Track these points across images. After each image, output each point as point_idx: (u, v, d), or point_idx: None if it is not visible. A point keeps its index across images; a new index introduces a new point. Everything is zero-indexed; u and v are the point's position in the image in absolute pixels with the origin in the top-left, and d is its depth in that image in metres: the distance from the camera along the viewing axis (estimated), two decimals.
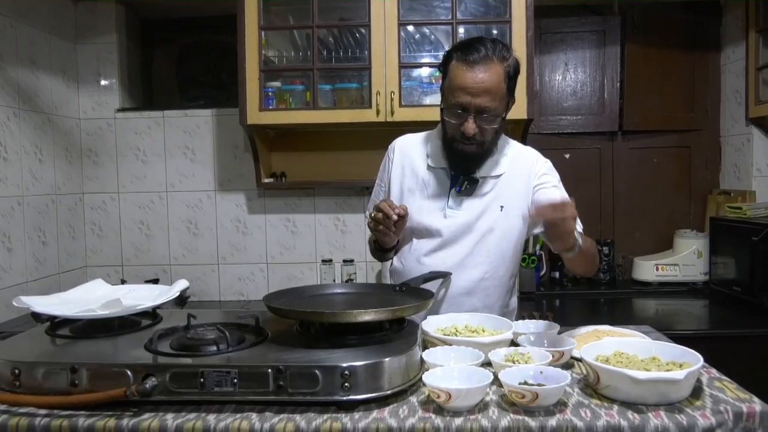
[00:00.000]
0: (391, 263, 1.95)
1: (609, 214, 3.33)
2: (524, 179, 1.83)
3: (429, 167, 1.84)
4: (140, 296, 1.64)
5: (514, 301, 1.98)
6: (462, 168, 1.78)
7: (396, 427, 1.11)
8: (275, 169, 3.12)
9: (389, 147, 1.95)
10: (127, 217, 3.20)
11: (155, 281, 3.07)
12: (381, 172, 1.96)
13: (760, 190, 3.00)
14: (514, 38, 2.61)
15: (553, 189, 1.82)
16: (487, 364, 1.31)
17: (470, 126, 1.67)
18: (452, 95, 1.67)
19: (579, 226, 1.71)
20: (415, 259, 1.84)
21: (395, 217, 1.66)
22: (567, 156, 3.32)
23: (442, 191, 1.82)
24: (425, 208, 1.82)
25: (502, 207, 1.80)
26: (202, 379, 1.18)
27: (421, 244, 1.83)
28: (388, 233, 1.71)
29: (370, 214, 1.73)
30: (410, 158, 1.87)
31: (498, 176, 1.81)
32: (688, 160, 3.31)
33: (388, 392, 1.19)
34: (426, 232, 1.82)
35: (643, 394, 1.15)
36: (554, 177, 1.87)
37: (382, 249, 1.89)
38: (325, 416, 1.15)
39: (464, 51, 1.67)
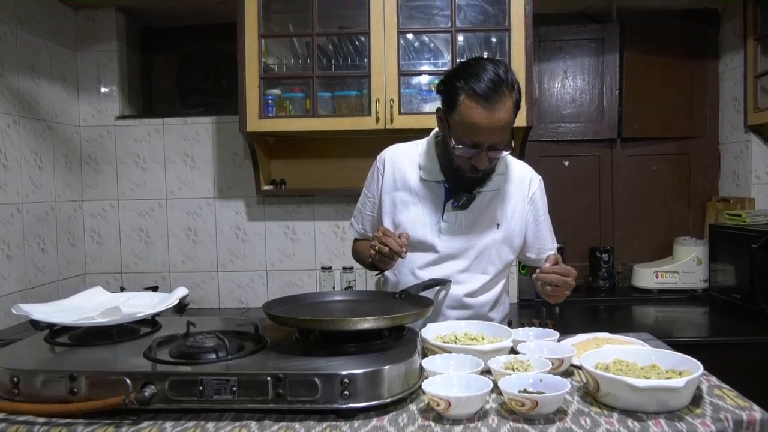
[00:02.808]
0: (384, 275, 1.94)
1: (608, 221, 3.33)
2: (520, 198, 1.84)
3: (422, 179, 1.82)
4: (139, 304, 1.64)
5: (505, 307, 1.97)
6: (464, 188, 1.76)
7: None
8: (275, 176, 3.13)
9: (378, 158, 1.92)
10: (127, 225, 3.20)
11: (154, 288, 3.07)
12: (369, 183, 1.94)
13: (759, 197, 3.01)
14: (513, 46, 2.62)
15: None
16: (486, 371, 1.31)
17: (484, 161, 1.64)
18: (465, 134, 1.61)
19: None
20: (410, 272, 1.82)
21: (404, 255, 1.65)
22: (566, 163, 3.33)
23: (436, 204, 1.80)
24: (419, 222, 1.80)
25: (498, 225, 1.80)
26: (201, 387, 1.18)
27: (416, 258, 1.82)
28: (392, 263, 1.71)
29: (373, 246, 1.68)
30: (401, 170, 1.85)
31: (494, 191, 1.80)
32: (687, 168, 3.32)
33: (388, 400, 1.19)
34: (421, 246, 1.80)
35: (642, 402, 1.15)
36: (544, 201, 1.91)
37: (378, 269, 1.86)
38: (325, 424, 1.14)
39: (474, 83, 1.57)
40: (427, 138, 1.87)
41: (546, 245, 1.91)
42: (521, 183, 1.85)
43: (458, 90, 1.60)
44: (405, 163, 1.85)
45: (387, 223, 1.84)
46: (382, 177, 1.87)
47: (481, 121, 1.57)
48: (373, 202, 1.92)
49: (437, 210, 1.80)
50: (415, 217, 1.80)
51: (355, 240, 2.04)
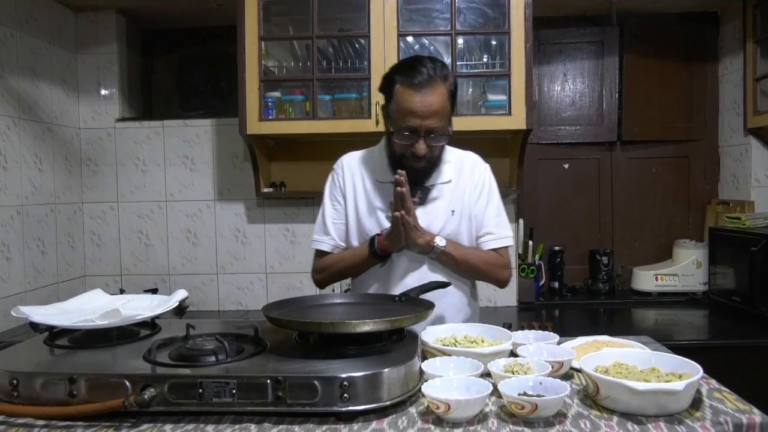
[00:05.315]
0: (351, 278, 1.96)
1: (608, 224, 3.33)
2: (470, 183, 1.89)
3: (378, 182, 1.86)
4: (139, 306, 1.64)
5: (475, 305, 2.01)
6: (412, 180, 1.76)
7: None
8: (275, 178, 3.13)
9: (335, 166, 1.95)
10: (127, 227, 3.20)
11: (154, 291, 3.07)
12: (332, 192, 1.93)
13: (758, 200, 3.01)
14: (512, 49, 2.63)
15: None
16: (486, 374, 1.31)
17: (421, 147, 1.72)
18: (402, 119, 1.71)
19: (441, 241, 1.77)
20: (378, 276, 1.84)
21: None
22: (566, 166, 3.33)
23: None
24: (381, 224, 1.83)
25: (453, 212, 1.85)
26: (200, 390, 1.18)
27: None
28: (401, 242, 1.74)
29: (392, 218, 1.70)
30: (360, 175, 1.89)
31: (446, 182, 1.86)
32: (687, 170, 3.32)
33: (387, 403, 1.19)
34: None
35: (642, 405, 1.15)
36: (494, 188, 1.93)
37: (381, 258, 1.85)
38: (324, 427, 1.14)
39: (408, 74, 1.70)
40: (379, 144, 1.93)
41: (501, 232, 1.91)
42: (468, 169, 1.90)
43: (394, 81, 1.73)
44: (361, 168, 1.91)
45: (353, 230, 1.87)
46: (343, 181, 1.91)
47: (414, 104, 1.68)
48: (339, 209, 1.91)
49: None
50: (376, 220, 1.84)
51: (323, 256, 1.93)
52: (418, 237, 1.72)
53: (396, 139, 1.74)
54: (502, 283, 1.97)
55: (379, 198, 1.86)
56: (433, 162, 1.81)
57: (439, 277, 1.82)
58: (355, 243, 1.88)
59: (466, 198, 1.87)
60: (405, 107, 1.69)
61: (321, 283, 1.98)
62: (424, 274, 1.84)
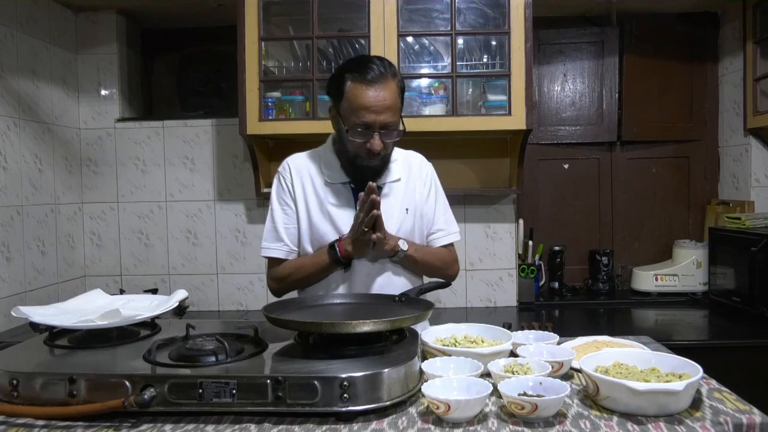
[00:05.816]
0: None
1: (608, 224, 3.34)
2: (419, 182, 1.92)
3: (327, 183, 1.85)
4: (139, 306, 1.64)
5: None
6: (365, 179, 1.73)
7: None
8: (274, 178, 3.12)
9: (281, 169, 1.91)
10: (127, 227, 3.20)
11: (154, 291, 3.06)
12: (280, 195, 1.88)
13: (758, 200, 3.01)
14: (512, 49, 2.62)
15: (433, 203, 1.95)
16: (486, 374, 1.31)
17: (377, 143, 1.72)
18: (356, 116, 1.70)
19: (404, 245, 1.78)
20: (337, 276, 1.83)
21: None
22: (566, 166, 3.33)
23: (346, 205, 1.82)
24: (335, 226, 1.81)
25: (407, 210, 1.87)
26: (200, 390, 1.18)
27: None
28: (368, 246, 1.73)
29: (358, 230, 1.67)
30: (308, 176, 1.87)
31: (396, 181, 1.87)
32: (687, 171, 3.32)
33: (387, 403, 1.19)
34: None
35: (642, 405, 1.15)
36: (439, 185, 1.97)
37: (344, 264, 1.81)
38: (324, 427, 1.14)
39: (359, 71, 1.71)
40: (324, 144, 1.93)
41: (450, 227, 1.96)
42: (416, 168, 1.93)
43: (344, 78, 1.74)
44: (310, 169, 1.88)
45: (305, 234, 1.84)
46: (292, 184, 1.87)
47: (367, 100, 1.69)
48: (290, 213, 1.87)
49: (349, 210, 1.80)
50: (329, 222, 1.82)
51: (278, 263, 1.88)
52: (385, 244, 1.72)
53: (350, 137, 1.73)
54: (452, 278, 1.97)
55: (330, 199, 1.84)
56: (386, 160, 1.82)
57: (403, 280, 1.86)
58: (308, 247, 1.84)
59: (417, 196, 1.90)
60: (359, 103, 1.69)
61: (279, 293, 1.91)
62: (388, 275, 1.85)
